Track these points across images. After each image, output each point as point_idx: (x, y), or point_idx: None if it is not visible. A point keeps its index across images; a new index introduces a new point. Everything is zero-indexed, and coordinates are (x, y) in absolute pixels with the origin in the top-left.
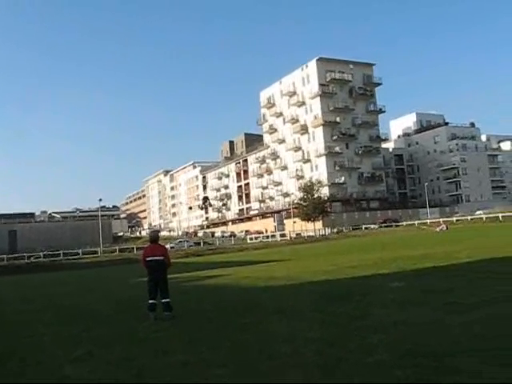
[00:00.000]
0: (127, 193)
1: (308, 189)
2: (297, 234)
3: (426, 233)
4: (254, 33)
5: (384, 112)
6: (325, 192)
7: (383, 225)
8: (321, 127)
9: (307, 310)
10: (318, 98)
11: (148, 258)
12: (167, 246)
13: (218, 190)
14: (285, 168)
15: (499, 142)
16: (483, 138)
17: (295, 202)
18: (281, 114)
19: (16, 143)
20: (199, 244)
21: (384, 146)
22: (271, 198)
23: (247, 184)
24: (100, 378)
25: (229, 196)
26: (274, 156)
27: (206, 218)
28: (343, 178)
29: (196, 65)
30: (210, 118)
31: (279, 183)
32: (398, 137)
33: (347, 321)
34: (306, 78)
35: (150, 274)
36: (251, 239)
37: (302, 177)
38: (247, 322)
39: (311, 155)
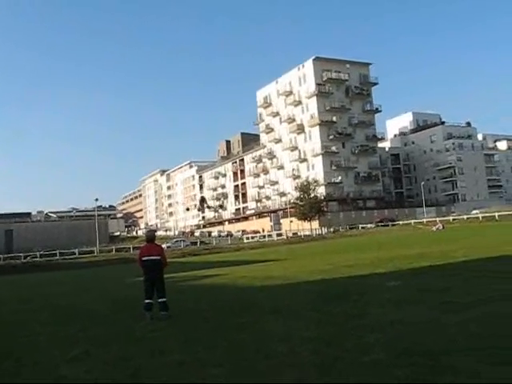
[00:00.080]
0: (124, 192)
1: (304, 188)
2: (293, 234)
3: (423, 232)
4: (250, 32)
5: (380, 111)
6: (321, 191)
7: (380, 224)
8: (317, 127)
9: (304, 309)
10: (315, 98)
11: (144, 258)
12: (164, 246)
13: (215, 189)
14: (281, 167)
15: (495, 142)
16: (479, 137)
17: (292, 201)
18: (277, 114)
19: (13, 143)
20: (196, 243)
21: (380, 145)
22: (268, 198)
23: (244, 183)
24: (97, 377)
25: (225, 195)
26: (271, 155)
27: (203, 218)
28: (340, 178)
29: (193, 64)
30: (206, 118)
31: (276, 183)
32: (395, 136)
33: (344, 320)
34: (302, 78)
35: (146, 273)
36: (248, 239)
37: (298, 176)
38: (244, 321)
39: (308, 155)
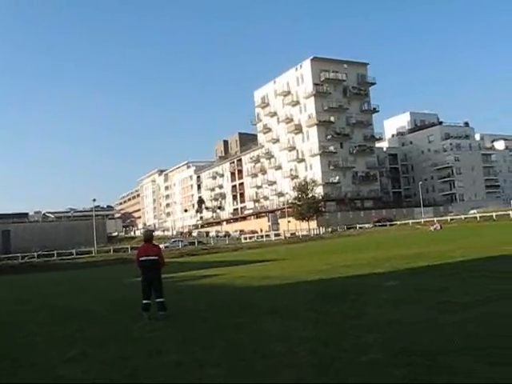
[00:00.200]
0: (121, 193)
1: (302, 188)
2: (291, 234)
3: (420, 232)
4: (248, 33)
5: (378, 111)
6: (319, 191)
7: (377, 224)
8: (315, 127)
9: (301, 309)
10: (312, 98)
11: (142, 258)
12: (161, 246)
13: (213, 189)
14: (279, 167)
15: (493, 141)
16: (477, 137)
17: (289, 201)
18: (275, 114)
19: (11, 143)
20: (194, 244)
21: (378, 145)
22: (265, 198)
23: (241, 184)
24: (94, 377)
25: (223, 196)
26: (269, 155)
27: (201, 218)
28: (337, 178)
29: (191, 65)
30: (204, 118)
31: (273, 183)
32: (392, 136)
33: (341, 320)
34: (300, 78)
35: (144, 273)
36: (246, 239)
37: (296, 176)
38: (241, 321)
39: (305, 155)
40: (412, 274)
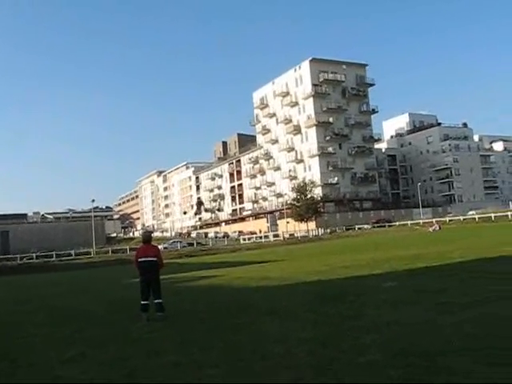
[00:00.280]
0: (120, 193)
1: (301, 189)
2: (290, 235)
3: (419, 233)
4: (247, 33)
5: (377, 112)
6: (318, 192)
7: (376, 225)
8: (314, 127)
9: (300, 310)
10: (311, 99)
11: (140, 259)
12: (160, 247)
13: (211, 190)
14: (278, 168)
15: (491, 143)
16: (476, 138)
17: (288, 202)
18: (274, 115)
19: (11, 143)
20: (192, 245)
21: (377, 146)
22: (264, 199)
23: (240, 184)
24: (92, 378)
25: (222, 196)
26: (267, 156)
27: (199, 219)
28: (336, 179)
29: (190, 66)
30: (203, 119)
31: (272, 184)
32: (391, 137)
33: (340, 321)
34: (298, 79)
35: (143, 274)
36: (244, 240)
37: (295, 177)
38: (240, 322)
39: (304, 155)
40: (411, 275)
